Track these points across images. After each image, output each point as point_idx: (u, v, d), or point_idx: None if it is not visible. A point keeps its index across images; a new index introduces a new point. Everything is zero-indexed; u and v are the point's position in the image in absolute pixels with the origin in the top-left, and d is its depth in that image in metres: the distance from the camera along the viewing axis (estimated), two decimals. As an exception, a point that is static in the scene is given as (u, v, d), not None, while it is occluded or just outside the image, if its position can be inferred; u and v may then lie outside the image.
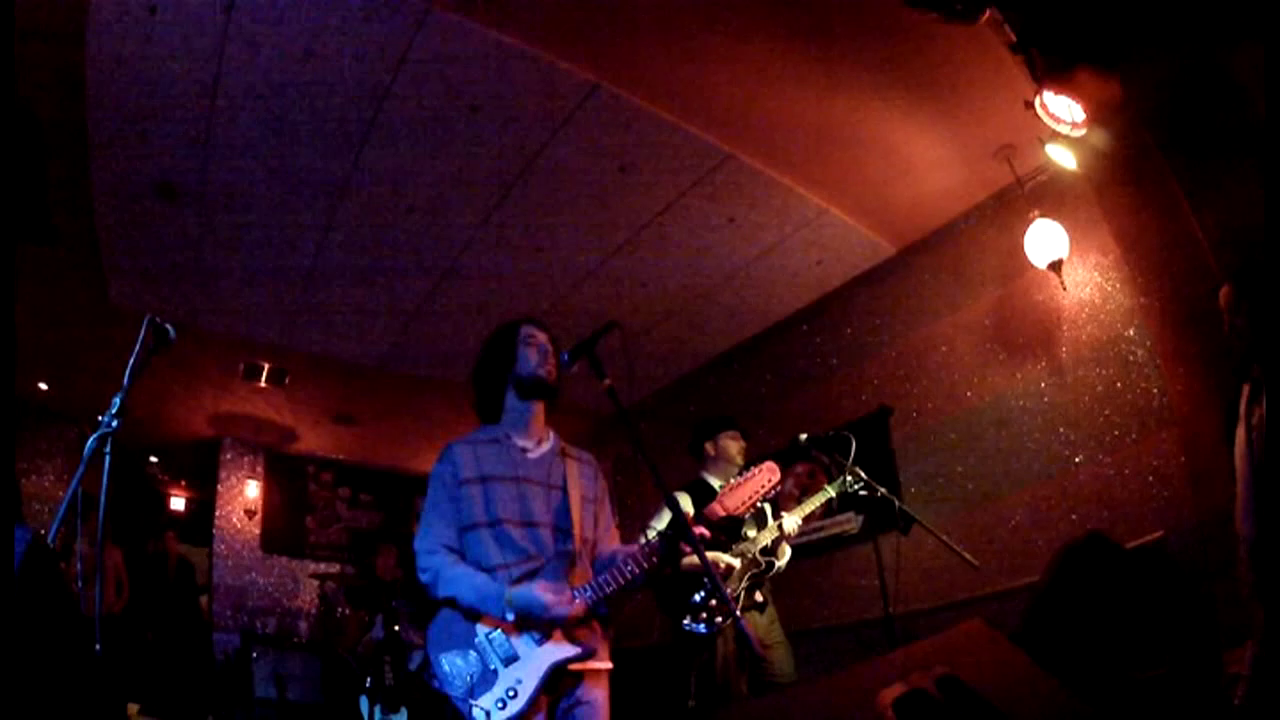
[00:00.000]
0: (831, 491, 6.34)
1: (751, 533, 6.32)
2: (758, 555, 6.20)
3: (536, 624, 3.63)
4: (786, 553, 6.40)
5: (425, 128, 7.25)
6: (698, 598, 5.80)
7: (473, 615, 3.71)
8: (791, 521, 6.31)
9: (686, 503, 6.23)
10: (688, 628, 5.74)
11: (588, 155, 7.60)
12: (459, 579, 3.75)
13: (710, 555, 6.02)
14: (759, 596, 6.25)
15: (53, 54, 6.34)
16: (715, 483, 6.52)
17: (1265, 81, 5.02)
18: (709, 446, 6.78)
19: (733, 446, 6.69)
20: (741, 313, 10.38)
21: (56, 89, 6.64)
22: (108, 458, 3.78)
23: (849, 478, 6.32)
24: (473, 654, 3.61)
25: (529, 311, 4.46)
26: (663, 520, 6.17)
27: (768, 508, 6.54)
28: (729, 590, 6.09)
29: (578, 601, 3.66)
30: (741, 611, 6.09)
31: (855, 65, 6.69)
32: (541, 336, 4.22)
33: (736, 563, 6.13)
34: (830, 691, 3.07)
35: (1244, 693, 4.52)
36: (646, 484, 3.55)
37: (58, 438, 12.72)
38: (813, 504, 6.39)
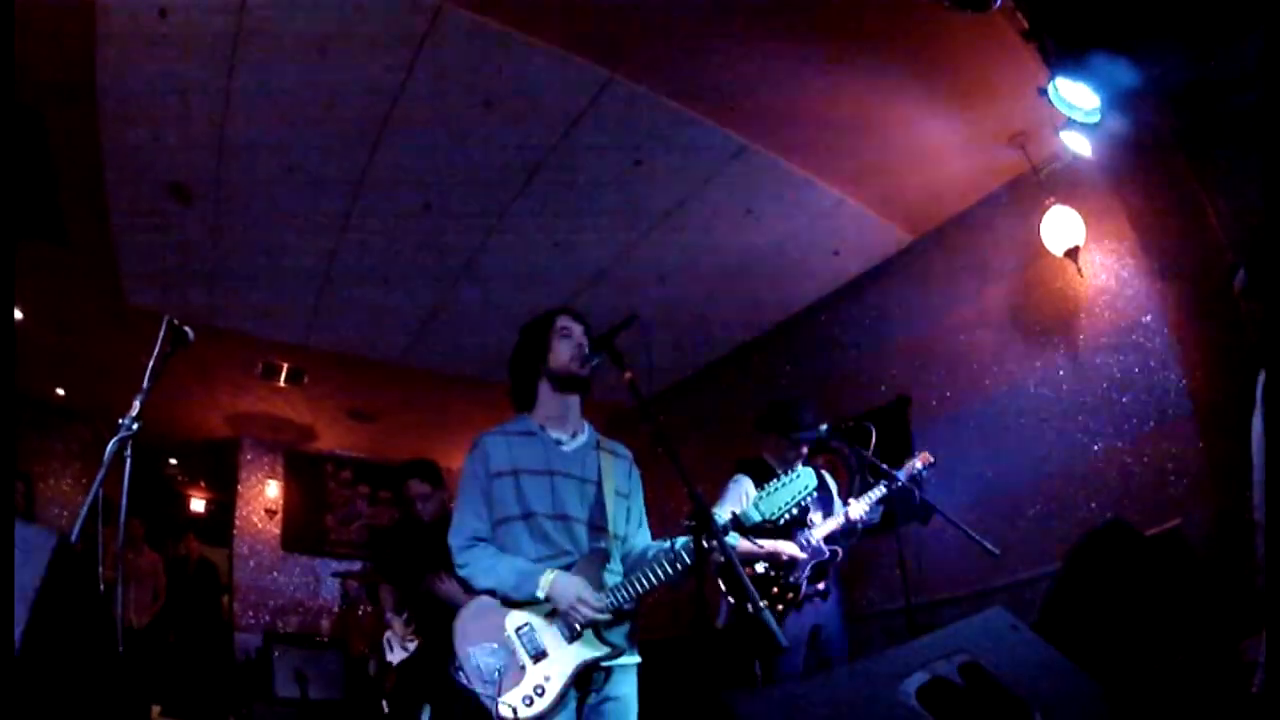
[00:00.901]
0: (899, 479, 6.29)
1: (817, 519, 6.33)
2: (821, 545, 6.22)
3: (558, 609, 3.63)
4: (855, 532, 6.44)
5: (440, 123, 7.27)
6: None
7: (508, 603, 3.71)
8: (858, 509, 6.30)
9: (747, 485, 6.28)
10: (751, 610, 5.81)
11: (603, 149, 7.61)
12: (499, 565, 3.75)
13: (774, 545, 6.07)
14: (821, 585, 6.25)
15: (64, 57, 6.37)
16: (776, 466, 6.49)
17: (1262, 73, 5.00)
18: (769, 439, 6.75)
19: (788, 452, 6.65)
20: (760, 304, 10.40)
21: (68, 92, 6.67)
22: (129, 461, 3.79)
23: (917, 463, 6.38)
24: (501, 649, 3.60)
25: (547, 305, 4.39)
26: (724, 503, 6.20)
27: (834, 492, 6.58)
28: (792, 578, 6.12)
29: (604, 612, 3.63)
30: (803, 599, 6.15)
31: (868, 54, 6.68)
32: (576, 329, 4.16)
33: (801, 554, 6.14)
34: (852, 679, 3.06)
35: (1261, 680, 4.51)
36: (664, 476, 3.52)
37: (74, 440, 12.77)
38: (877, 493, 6.37)
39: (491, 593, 3.75)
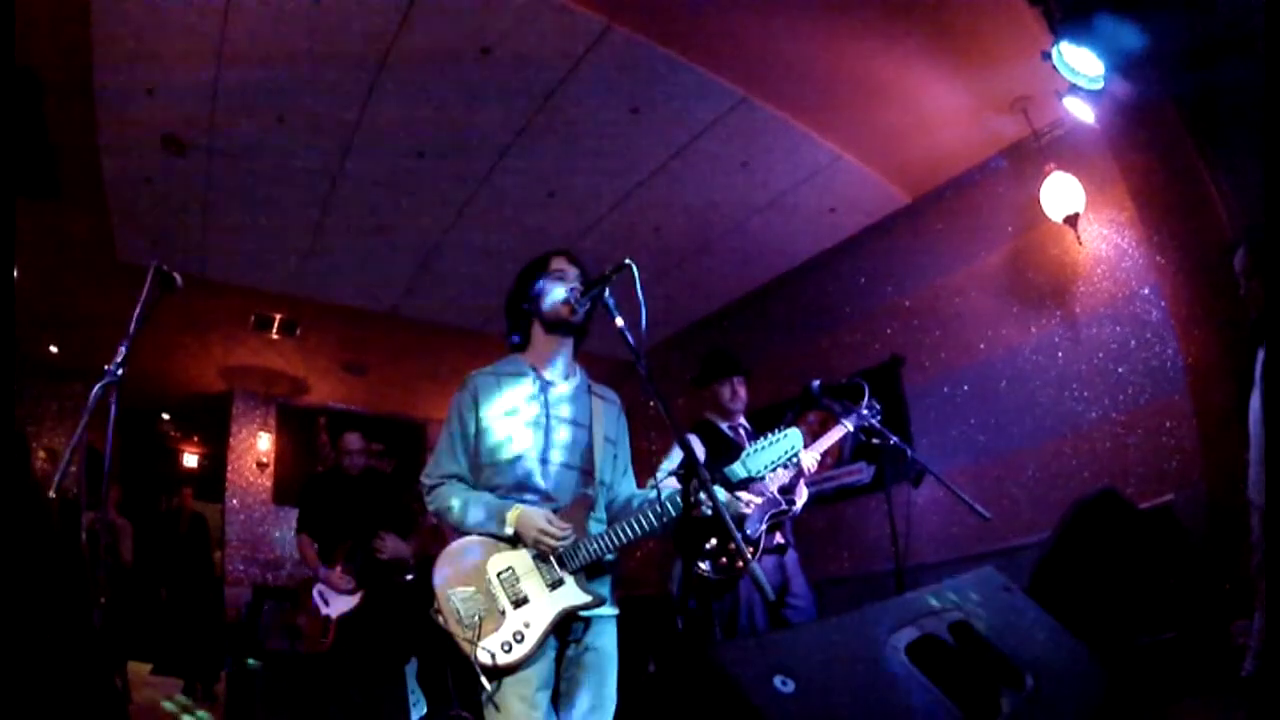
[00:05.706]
0: (849, 426, 6.19)
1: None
2: (777, 495, 6.15)
3: (524, 541, 3.61)
4: (804, 493, 6.32)
5: (436, 70, 7.18)
6: (711, 543, 5.86)
7: (489, 546, 3.66)
8: (810, 458, 6.16)
9: (696, 446, 6.20)
10: (698, 572, 5.74)
11: (600, 97, 7.54)
12: (468, 503, 3.71)
13: (727, 496, 6.08)
14: (779, 538, 6.21)
15: (58, 8, 6.28)
16: (720, 423, 6.55)
17: (1265, 53, 4.94)
18: (706, 390, 6.73)
19: (724, 393, 6.62)
20: (755, 259, 10.38)
21: (62, 44, 6.59)
22: (113, 408, 3.74)
23: (865, 412, 6.25)
24: (481, 594, 3.56)
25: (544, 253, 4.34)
26: (672, 460, 6.13)
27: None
28: (749, 530, 6.08)
29: (567, 538, 3.61)
30: (761, 554, 6.08)
31: (873, 10, 6.62)
32: (571, 271, 4.07)
33: (757, 501, 6.10)
34: (842, 631, 3.03)
35: (1251, 663, 4.49)
36: (655, 426, 3.44)
37: (68, 398, 12.74)
38: (829, 440, 6.24)
39: (459, 527, 3.72)
